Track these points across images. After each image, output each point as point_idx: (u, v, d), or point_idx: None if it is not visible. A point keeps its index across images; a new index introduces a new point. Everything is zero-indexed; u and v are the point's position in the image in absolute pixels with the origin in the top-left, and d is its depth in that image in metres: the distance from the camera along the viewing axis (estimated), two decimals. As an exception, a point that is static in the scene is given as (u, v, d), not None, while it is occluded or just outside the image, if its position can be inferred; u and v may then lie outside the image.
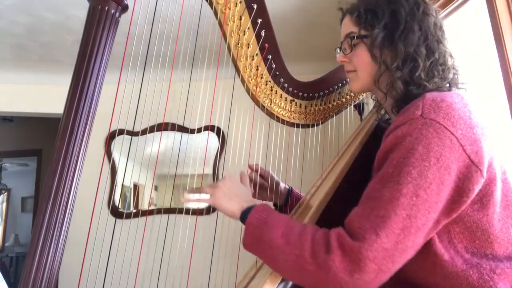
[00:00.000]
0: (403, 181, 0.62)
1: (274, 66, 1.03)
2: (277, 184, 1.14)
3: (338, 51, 0.91)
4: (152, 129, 2.61)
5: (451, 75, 0.79)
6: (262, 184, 1.12)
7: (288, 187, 1.17)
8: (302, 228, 0.70)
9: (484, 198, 0.68)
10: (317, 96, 1.10)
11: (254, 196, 1.09)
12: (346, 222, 0.68)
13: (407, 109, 0.70)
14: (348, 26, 0.86)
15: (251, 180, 1.07)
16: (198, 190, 0.92)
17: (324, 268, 0.63)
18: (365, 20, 0.81)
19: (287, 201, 1.14)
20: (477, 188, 0.65)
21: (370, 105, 1.20)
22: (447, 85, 0.78)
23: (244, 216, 0.77)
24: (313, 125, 1.14)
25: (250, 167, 1.12)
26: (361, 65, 0.84)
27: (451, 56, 0.81)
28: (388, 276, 0.62)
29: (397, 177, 0.63)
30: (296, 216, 0.98)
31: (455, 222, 0.68)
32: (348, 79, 0.91)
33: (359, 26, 0.82)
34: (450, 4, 1.38)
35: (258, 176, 1.11)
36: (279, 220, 0.72)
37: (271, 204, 1.07)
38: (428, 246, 0.68)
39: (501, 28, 1.14)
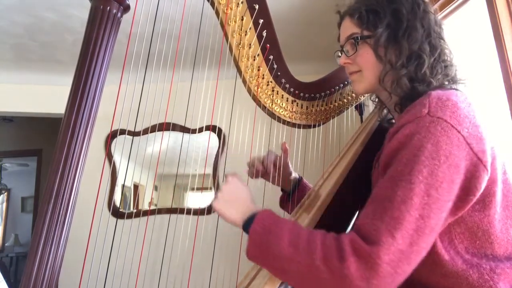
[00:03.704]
0: (414, 180, 0.62)
1: (275, 66, 1.02)
2: (289, 173, 1.16)
3: (339, 54, 0.90)
4: (153, 129, 2.61)
5: (452, 72, 0.79)
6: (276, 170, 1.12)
7: (298, 176, 1.18)
8: (309, 233, 0.68)
9: (487, 198, 0.68)
10: (319, 96, 1.10)
11: (268, 179, 1.11)
12: (358, 224, 0.66)
13: (412, 107, 0.70)
14: (349, 27, 0.86)
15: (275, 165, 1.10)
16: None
17: (339, 276, 0.60)
18: (367, 20, 0.81)
19: (295, 189, 1.15)
20: (483, 186, 0.65)
21: (370, 107, 1.20)
22: (449, 81, 0.78)
23: (247, 225, 0.74)
24: (314, 126, 1.14)
25: (284, 149, 1.11)
26: (366, 64, 0.84)
27: (450, 52, 0.81)
28: (404, 278, 0.61)
29: (408, 175, 0.63)
30: (297, 217, 0.98)
31: (456, 223, 0.68)
32: (352, 81, 0.90)
33: (361, 27, 0.82)
34: (450, 4, 1.38)
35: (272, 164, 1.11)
36: (283, 228, 0.69)
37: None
38: None
39: (501, 28, 1.14)
